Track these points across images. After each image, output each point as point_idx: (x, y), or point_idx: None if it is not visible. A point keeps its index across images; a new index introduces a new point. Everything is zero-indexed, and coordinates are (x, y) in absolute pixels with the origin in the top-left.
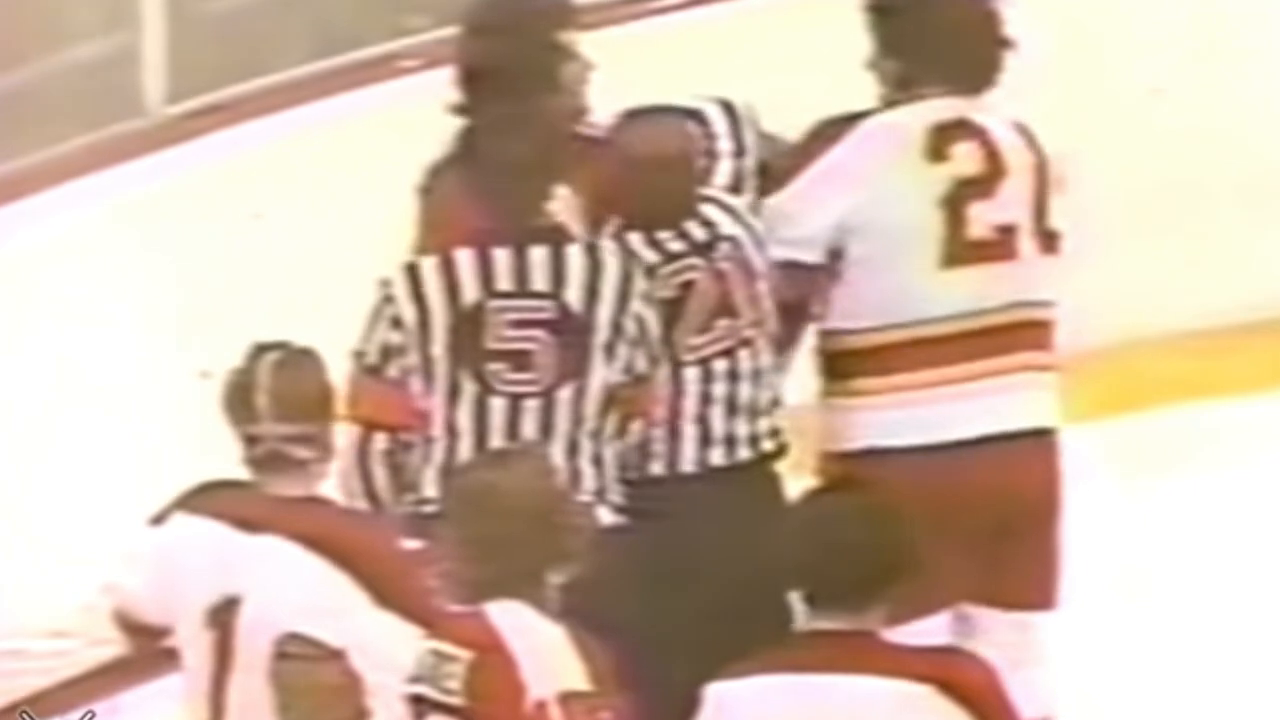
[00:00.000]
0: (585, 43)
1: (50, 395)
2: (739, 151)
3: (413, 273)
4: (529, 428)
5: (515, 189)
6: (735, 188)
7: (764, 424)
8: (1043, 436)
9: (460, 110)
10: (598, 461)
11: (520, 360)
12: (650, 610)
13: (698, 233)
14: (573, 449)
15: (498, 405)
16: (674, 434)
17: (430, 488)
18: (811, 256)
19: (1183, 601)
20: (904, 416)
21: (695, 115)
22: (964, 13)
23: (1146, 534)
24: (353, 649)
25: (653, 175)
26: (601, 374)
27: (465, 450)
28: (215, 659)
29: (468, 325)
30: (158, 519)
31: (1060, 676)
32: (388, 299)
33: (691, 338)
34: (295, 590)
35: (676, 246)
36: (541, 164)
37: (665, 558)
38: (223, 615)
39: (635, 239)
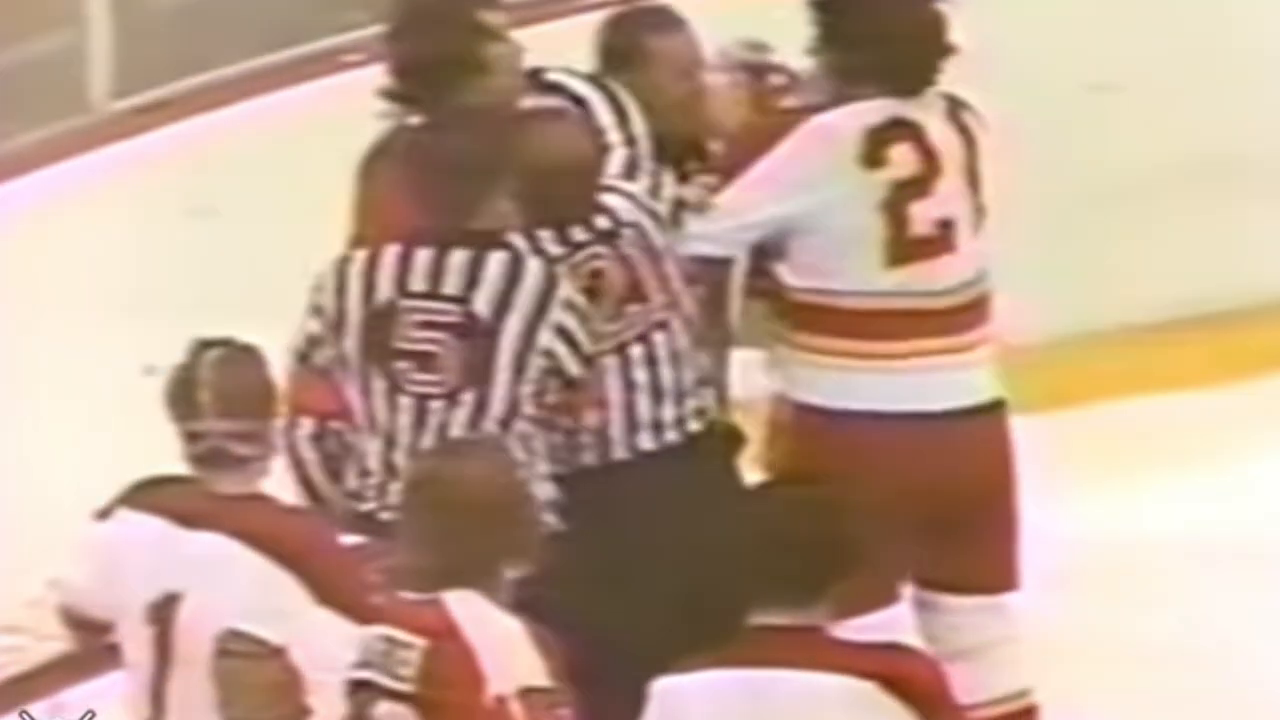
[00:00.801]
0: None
1: None
2: (629, 140)
3: (340, 266)
4: (433, 428)
5: (449, 189)
6: (629, 174)
7: (690, 405)
8: (1001, 409)
9: (394, 98)
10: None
11: (425, 361)
12: (593, 603)
13: (600, 222)
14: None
15: (405, 404)
16: (602, 423)
17: (352, 480)
18: (726, 252)
19: (1126, 592)
20: (879, 381)
21: (580, 102)
22: (907, 13)
23: (1092, 526)
24: (294, 646)
25: (557, 179)
26: (507, 383)
27: (379, 446)
28: (156, 655)
29: (379, 322)
30: (102, 514)
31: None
32: (317, 288)
33: (605, 326)
34: (236, 588)
35: (581, 236)
36: (478, 165)
37: (604, 547)
38: (163, 611)
39: (543, 234)
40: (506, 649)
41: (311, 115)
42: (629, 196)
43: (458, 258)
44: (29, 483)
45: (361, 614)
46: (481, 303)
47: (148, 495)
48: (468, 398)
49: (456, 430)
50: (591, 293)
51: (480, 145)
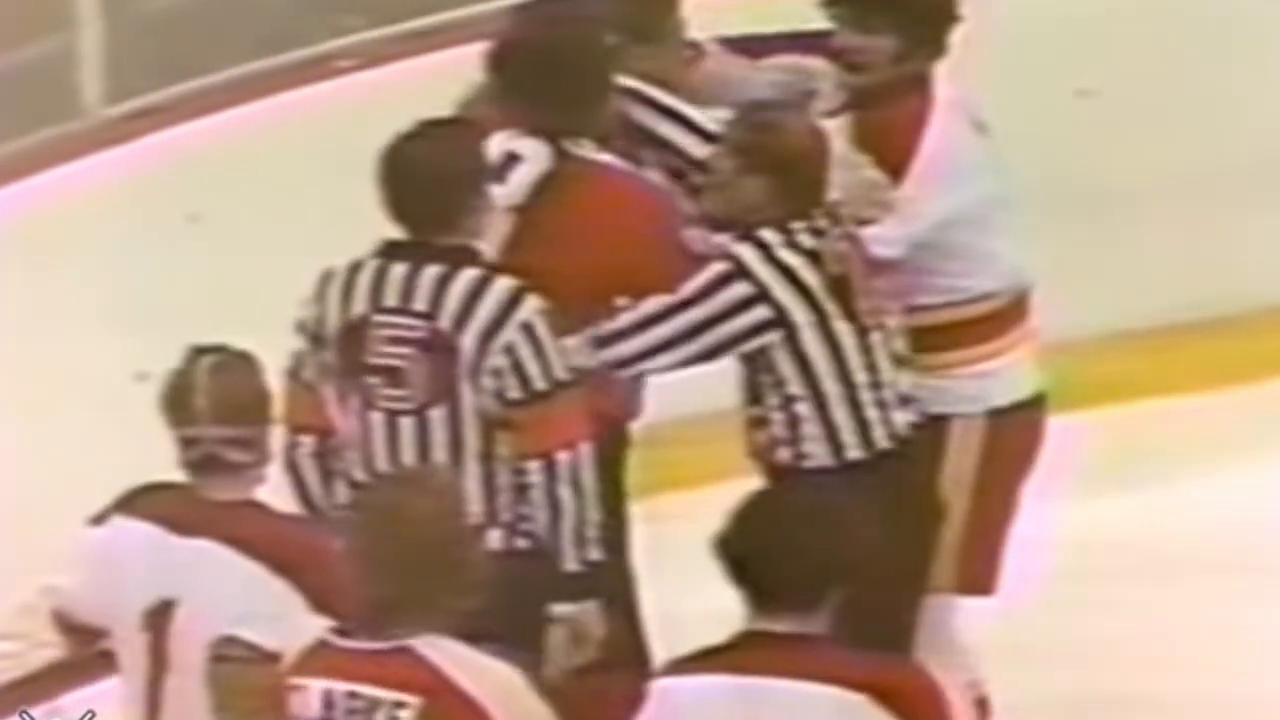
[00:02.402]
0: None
1: None
2: None
3: (323, 280)
4: (406, 444)
5: (423, 202)
6: None
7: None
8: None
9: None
10: (488, 485)
11: (394, 377)
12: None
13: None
14: (456, 470)
15: (377, 419)
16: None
17: (342, 492)
18: (903, 255)
19: (1126, 594)
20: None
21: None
22: None
23: (1075, 531)
24: (289, 652)
25: (805, 168)
26: (470, 399)
27: (357, 461)
28: (150, 661)
29: (353, 337)
30: (96, 520)
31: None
32: (304, 303)
33: (865, 302)
34: (230, 594)
35: (822, 223)
36: (454, 178)
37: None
38: (157, 618)
39: (795, 226)
40: (516, 700)
41: (304, 121)
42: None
43: (430, 273)
44: (23, 488)
45: None
46: (445, 319)
47: (142, 502)
48: (437, 414)
49: (438, 445)
50: (843, 281)
51: (457, 157)
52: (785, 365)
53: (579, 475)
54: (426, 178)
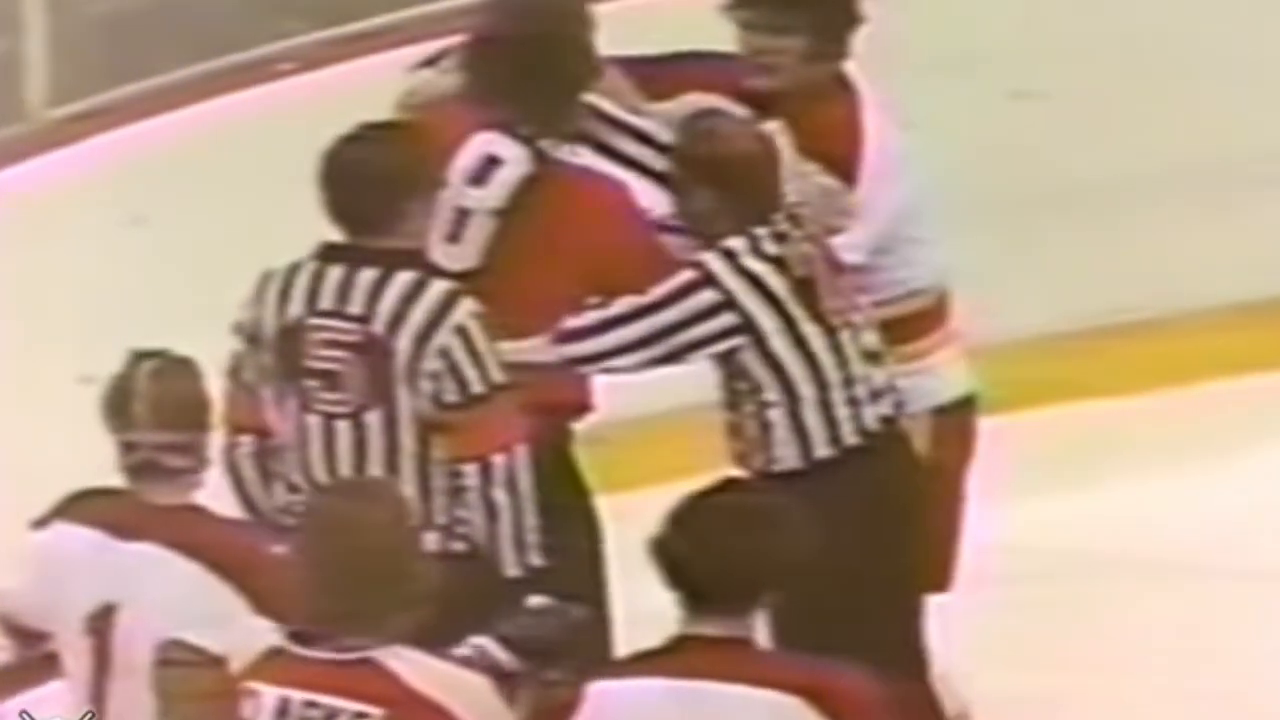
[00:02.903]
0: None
1: None
2: None
3: (261, 282)
4: (343, 448)
5: (360, 204)
6: None
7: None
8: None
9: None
10: (424, 488)
11: (331, 380)
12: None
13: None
14: (392, 474)
15: (314, 422)
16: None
17: (281, 494)
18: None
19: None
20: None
21: None
22: None
23: (1017, 531)
24: (234, 656)
25: (756, 173)
26: (407, 402)
27: (295, 464)
28: (94, 665)
29: (290, 340)
30: (38, 524)
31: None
32: (243, 305)
33: (831, 301)
34: (173, 598)
35: (783, 226)
36: (391, 180)
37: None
38: (100, 622)
39: (759, 232)
40: (488, 708)
41: (247, 124)
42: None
43: (366, 276)
44: None
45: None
46: (380, 322)
47: (83, 506)
48: (372, 418)
49: (374, 449)
50: (808, 283)
51: (394, 160)
52: (759, 371)
53: (515, 479)
54: (363, 180)
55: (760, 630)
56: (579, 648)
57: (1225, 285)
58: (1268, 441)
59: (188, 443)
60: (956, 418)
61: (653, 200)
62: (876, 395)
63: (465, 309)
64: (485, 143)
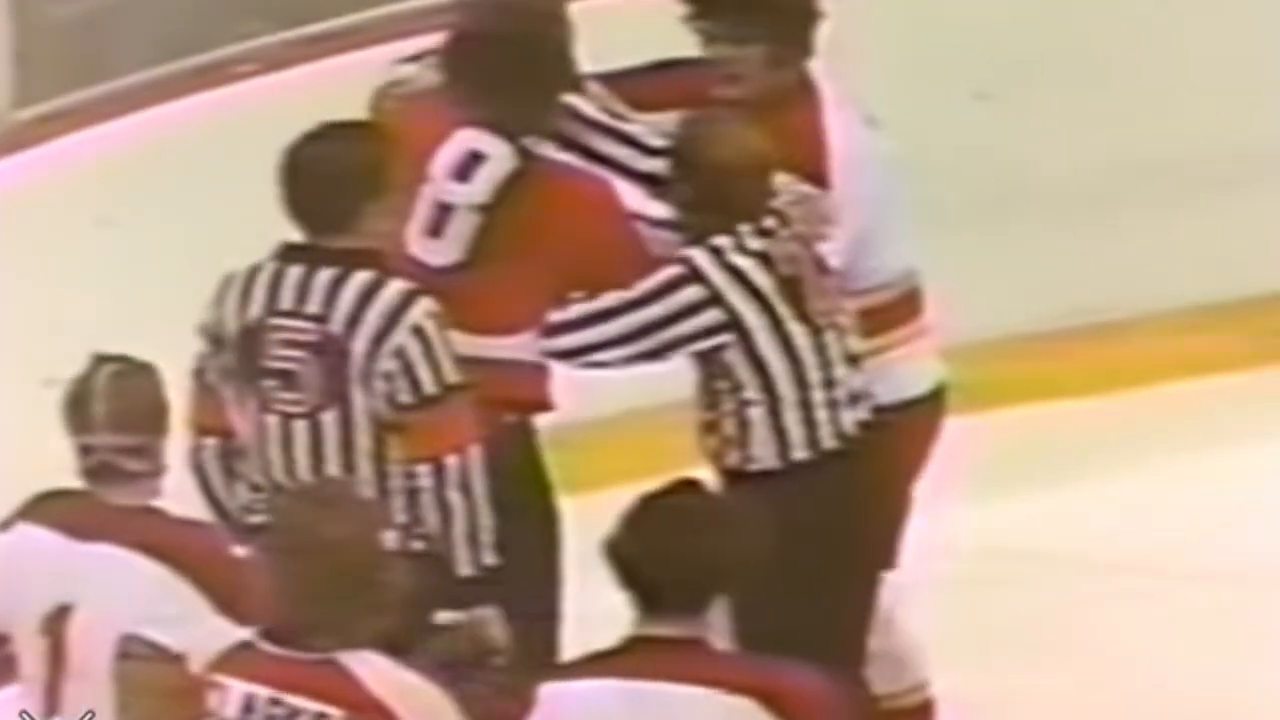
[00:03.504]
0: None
1: None
2: None
3: (223, 282)
4: (300, 448)
5: (320, 203)
6: None
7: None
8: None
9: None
10: (381, 488)
11: (289, 380)
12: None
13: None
14: (349, 475)
15: (272, 422)
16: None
17: (244, 493)
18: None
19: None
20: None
21: None
22: None
23: (976, 532)
24: (193, 655)
25: (744, 173)
26: (363, 402)
27: (255, 465)
28: (49, 666)
29: (249, 340)
30: (2, 526)
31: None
32: (208, 305)
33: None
34: (132, 596)
35: (769, 224)
36: (351, 179)
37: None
38: (54, 623)
39: (743, 229)
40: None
41: (209, 125)
42: None
43: (324, 276)
44: None
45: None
46: (337, 322)
47: (44, 508)
48: (329, 418)
49: (330, 448)
50: (794, 282)
51: (353, 159)
52: (741, 369)
53: (469, 480)
54: (322, 179)
55: (715, 631)
56: (505, 655)
57: (1190, 286)
58: (1233, 443)
59: (145, 446)
60: (927, 409)
61: (637, 202)
62: (855, 399)
63: (422, 309)
64: (468, 139)
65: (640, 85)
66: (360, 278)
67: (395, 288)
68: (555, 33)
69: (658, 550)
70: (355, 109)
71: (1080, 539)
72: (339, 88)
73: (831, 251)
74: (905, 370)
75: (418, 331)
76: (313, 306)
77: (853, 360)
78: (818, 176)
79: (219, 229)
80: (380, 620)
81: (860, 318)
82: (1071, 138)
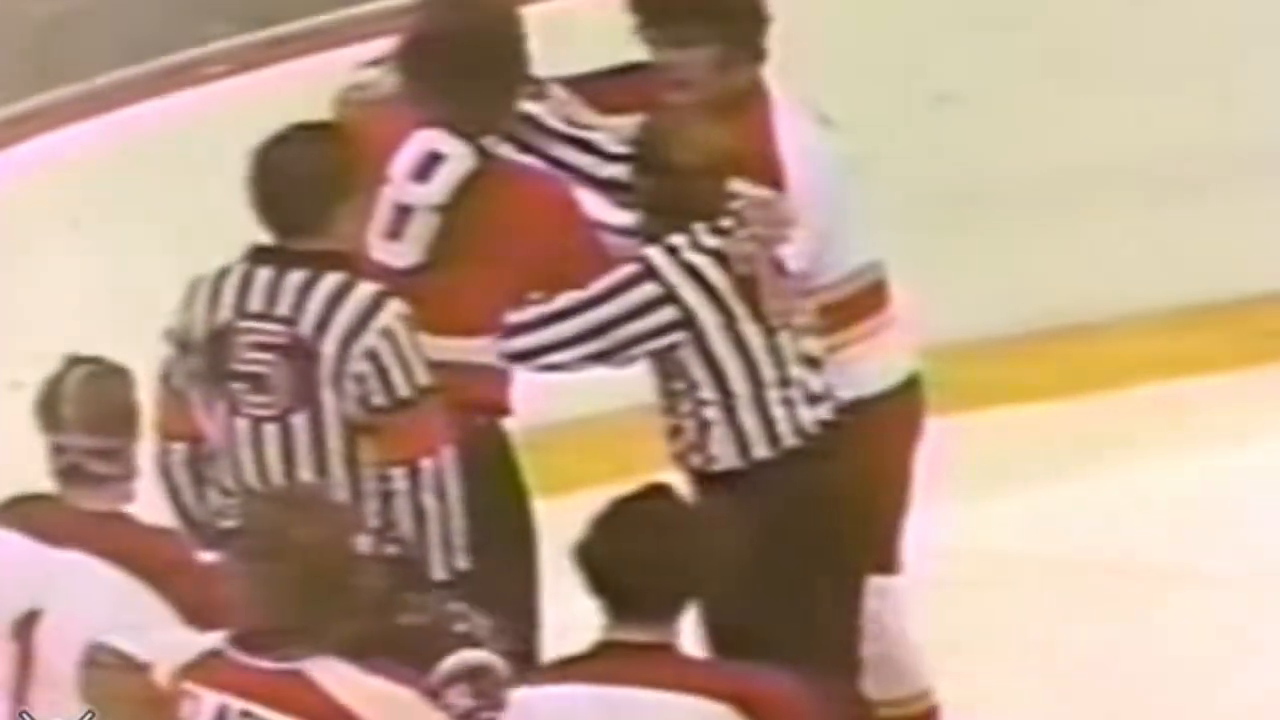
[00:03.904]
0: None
1: None
2: None
3: (191, 286)
4: (271, 451)
5: (290, 206)
6: None
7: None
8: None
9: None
10: (355, 491)
11: (258, 383)
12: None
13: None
14: (321, 478)
15: (242, 426)
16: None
17: (215, 498)
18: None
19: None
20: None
21: None
22: None
23: (948, 534)
24: (159, 663)
25: (703, 171)
26: (333, 405)
27: (226, 469)
28: (17, 671)
29: (218, 343)
30: None
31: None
32: (176, 309)
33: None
34: (98, 605)
35: (727, 223)
36: (321, 182)
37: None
38: (23, 628)
39: (697, 228)
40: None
41: (175, 127)
42: None
43: (293, 278)
44: None
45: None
46: (306, 324)
47: (14, 512)
48: (299, 420)
49: (301, 451)
50: (750, 281)
51: (322, 161)
52: (696, 369)
53: (443, 483)
54: (291, 181)
55: (687, 635)
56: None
57: (1160, 288)
58: (1205, 444)
59: (113, 449)
60: (899, 403)
61: (599, 209)
62: (814, 400)
63: (392, 311)
64: (427, 140)
65: (604, 88)
66: (330, 280)
67: (365, 290)
68: (509, 30)
69: (628, 555)
70: (323, 110)
71: (1054, 541)
72: (308, 88)
73: (792, 254)
74: (870, 365)
75: (388, 334)
76: (282, 309)
77: (810, 361)
78: (771, 178)
79: (189, 230)
80: (352, 624)
81: (821, 314)
82: (1034, 141)
